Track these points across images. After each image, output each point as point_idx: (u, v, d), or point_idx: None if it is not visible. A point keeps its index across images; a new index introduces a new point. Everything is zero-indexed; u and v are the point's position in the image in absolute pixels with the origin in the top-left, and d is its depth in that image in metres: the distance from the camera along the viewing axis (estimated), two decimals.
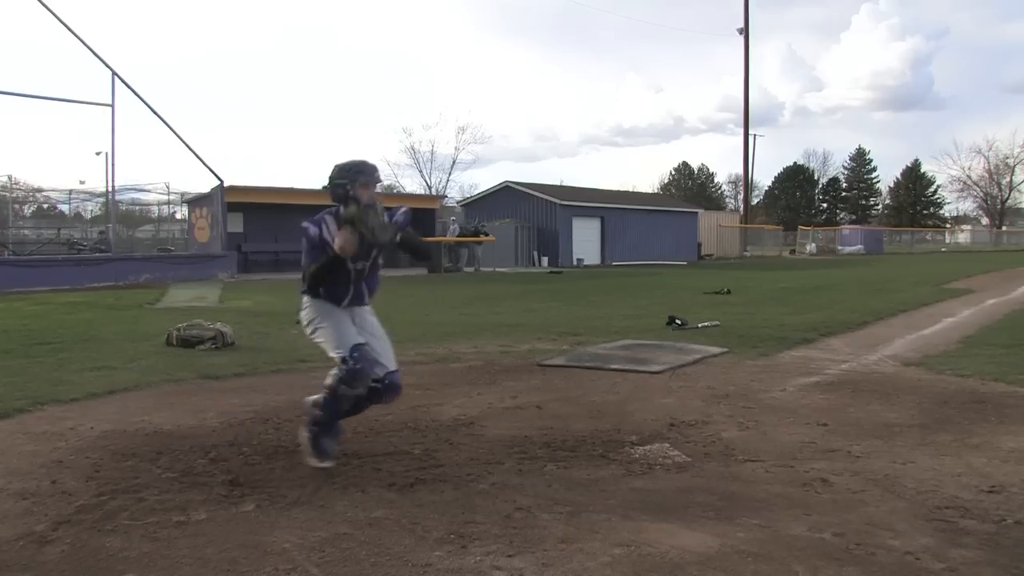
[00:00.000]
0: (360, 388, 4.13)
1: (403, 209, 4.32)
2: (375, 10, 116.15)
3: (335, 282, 4.16)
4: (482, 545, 3.12)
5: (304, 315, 4.26)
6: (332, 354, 4.14)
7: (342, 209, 4.09)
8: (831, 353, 8.22)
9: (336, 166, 4.20)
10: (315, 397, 4.30)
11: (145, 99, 21.28)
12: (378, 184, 4.24)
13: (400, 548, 3.10)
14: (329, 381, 4.14)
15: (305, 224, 4.13)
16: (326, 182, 4.22)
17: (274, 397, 6.01)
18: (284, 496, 3.73)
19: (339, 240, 4.00)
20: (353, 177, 4.11)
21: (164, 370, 7.23)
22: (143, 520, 3.42)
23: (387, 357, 4.27)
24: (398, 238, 4.16)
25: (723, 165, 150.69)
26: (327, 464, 4.16)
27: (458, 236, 29.17)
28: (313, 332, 4.23)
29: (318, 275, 4.10)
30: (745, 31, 48.94)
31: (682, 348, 8.38)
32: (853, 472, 4.08)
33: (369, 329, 4.29)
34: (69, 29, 20.09)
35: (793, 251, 51.98)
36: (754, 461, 4.29)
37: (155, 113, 21.39)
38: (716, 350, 8.26)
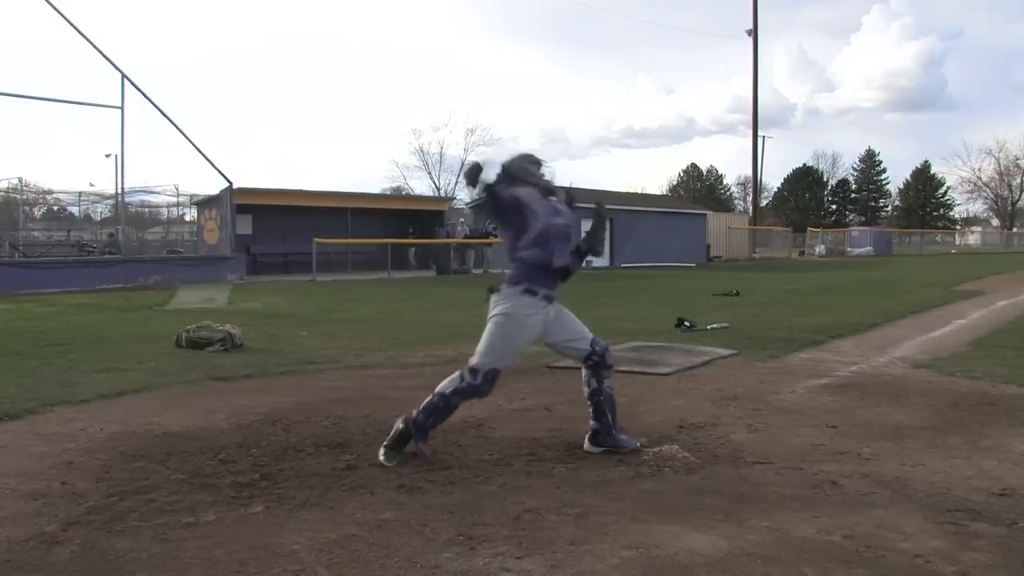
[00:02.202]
0: (471, 400, 4.29)
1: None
2: (385, 12, 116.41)
3: (544, 243, 4.18)
4: (491, 547, 3.12)
5: (503, 303, 4.23)
6: (478, 355, 4.20)
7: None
8: (840, 355, 8.19)
9: (518, 156, 4.33)
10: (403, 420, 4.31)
11: (154, 101, 21.40)
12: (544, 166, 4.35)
13: (409, 550, 3.10)
14: (445, 388, 4.21)
15: (503, 195, 4.13)
16: (503, 171, 4.25)
17: (283, 399, 6.02)
18: (293, 497, 3.73)
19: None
20: (527, 159, 4.29)
21: (173, 372, 7.25)
22: (152, 521, 3.43)
23: (582, 332, 4.41)
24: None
25: (732, 167, 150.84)
26: (393, 464, 4.16)
27: (467, 237, 29.20)
28: (493, 320, 4.23)
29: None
30: (754, 32, 48.86)
31: (691, 350, 8.36)
32: (863, 474, 4.06)
33: (557, 319, 4.35)
34: (79, 31, 20.22)
35: (802, 253, 51.83)
36: (763, 463, 4.27)
37: (164, 115, 21.50)
38: (725, 352, 8.24)
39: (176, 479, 4.04)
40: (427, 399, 4.30)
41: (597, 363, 4.43)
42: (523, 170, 4.27)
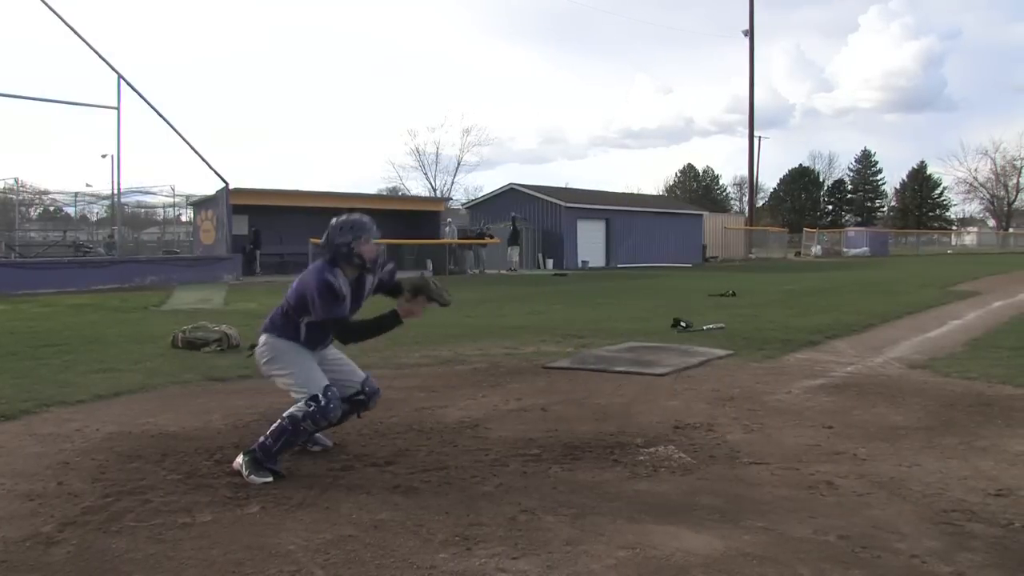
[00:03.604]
0: (323, 425, 4.17)
1: (390, 267, 4.46)
2: (381, 12, 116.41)
3: (320, 331, 4.22)
4: (487, 547, 3.12)
5: (263, 351, 4.26)
6: (296, 392, 4.13)
7: (339, 269, 4.17)
8: (836, 355, 8.20)
9: (334, 224, 4.21)
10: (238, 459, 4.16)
11: (151, 102, 21.37)
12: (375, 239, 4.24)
13: (405, 550, 3.10)
14: (293, 412, 4.07)
15: (327, 279, 4.11)
16: (323, 239, 4.22)
17: (279, 399, 5.97)
18: (289, 498, 3.73)
19: (412, 308, 4.21)
20: (356, 235, 4.14)
21: (169, 372, 7.25)
22: (149, 521, 3.42)
23: (354, 371, 4.47)
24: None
25: (729, 167, 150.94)
26: (270, 479, 3.98)
27: (460, 238, 29.24)
28: (275, 371, 4.23)
29: (366, 335, 4.29)
30: (750, 33, 48.93)
31: (687, 350, 8.36)
32: (859, 475, 4.06)
33: (333, 360, 4.42)
34: (75, 32, 20.18)
35: (798, 253, 51.88)
36: (759, 463, 4.28)
37: (161, 116, 21.47)
38: (721, 352, 8.25)
39: (172, 479, 4.03)
40: (276, 424, 4.12)
41: (360, 401, 4.42)
42: (348, 252, 4.16)
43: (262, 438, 4.10)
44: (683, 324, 10.39)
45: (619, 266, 34.32)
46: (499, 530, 3.30)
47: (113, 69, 20.94)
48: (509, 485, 3.93)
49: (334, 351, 4.47)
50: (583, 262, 33.89)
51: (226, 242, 23.65)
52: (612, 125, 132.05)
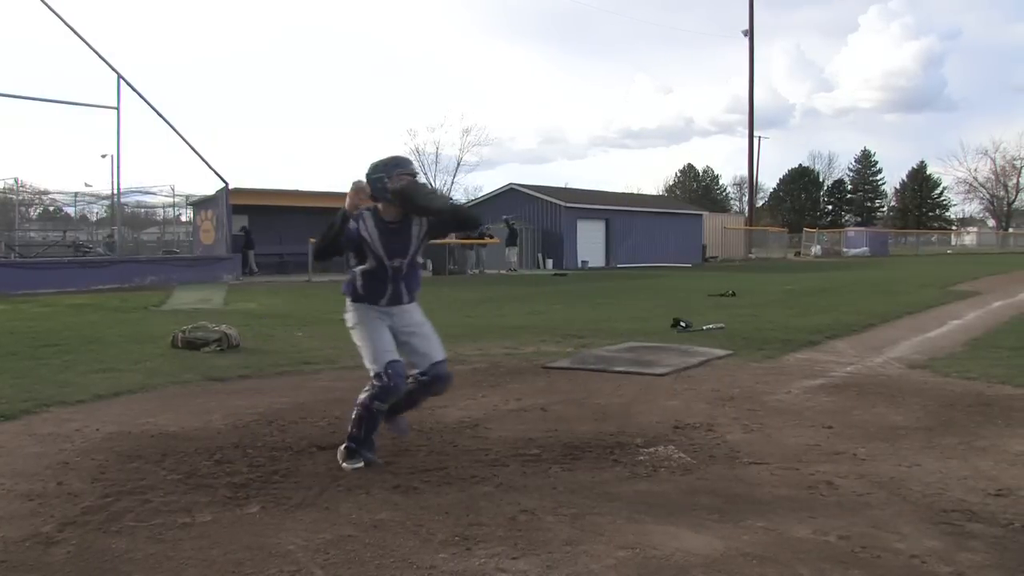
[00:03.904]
0: (391, 402, 4.21)
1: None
2: (380, 12, 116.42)
3: (373, 279, 4.20)
4: (487, 547, 3.12)
5: (347, 317, 4.32)
6: (368, 366, 4.19)
7: (379, 206, 4.19)
8: (836, 355, 8.20)
9: (372, 163, 4.24)
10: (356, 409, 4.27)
11: (150, 102, 21.37)
12: (415, 175, 4.26)
13: (405, 550, 3.10)
14: (363, 398, 4.18)
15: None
16: (363, 179, 4.23)
17: (279, 399, 6.02)
18: (289, 498, 3.73)
19: (353, 199, 4.12)
20: (390, 170, 4.17)
21: (169, 372, 7.25)
22: (148, 522, 3.42)
23: (433, 349, 4.32)
24: (446, 214, 4.27)
25: (729, 167, 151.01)
26: (360, 464, 4.19)
27: (461, 238, 29.21)
28: (355, 337, 4.29)
29: (321, 243, 4.22)
30: (750, 33, 48.96)
31: (687, 350, 8.36)
32: (859, 475, 4.06)
33: (410, 327, 4.31)
34: (75, 32, 20.18)
35: (798, 253, 51.91)
36: (759, 463, 4.28)
37: (160, 116, 21.47)
38: (721, 352, 8.25)
39: (172, 479, 4.03)
40: (353, 413, 4.23)
41: (427, 383, 4.34)
42: (381, 188, 4.15)
43: (349, 428, 4.23)
44: (683, 324, 10.39)
45: (619, 266, 34.33)
46: (499, 530, 3.30)
47: (113, 69, 20.95)
48: (509, 485, 3.92)
49: (417, 323, 4.36)
50: (583, 262, 33.90)
51: (226, 242, 23.65)
52: (612, 125, 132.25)
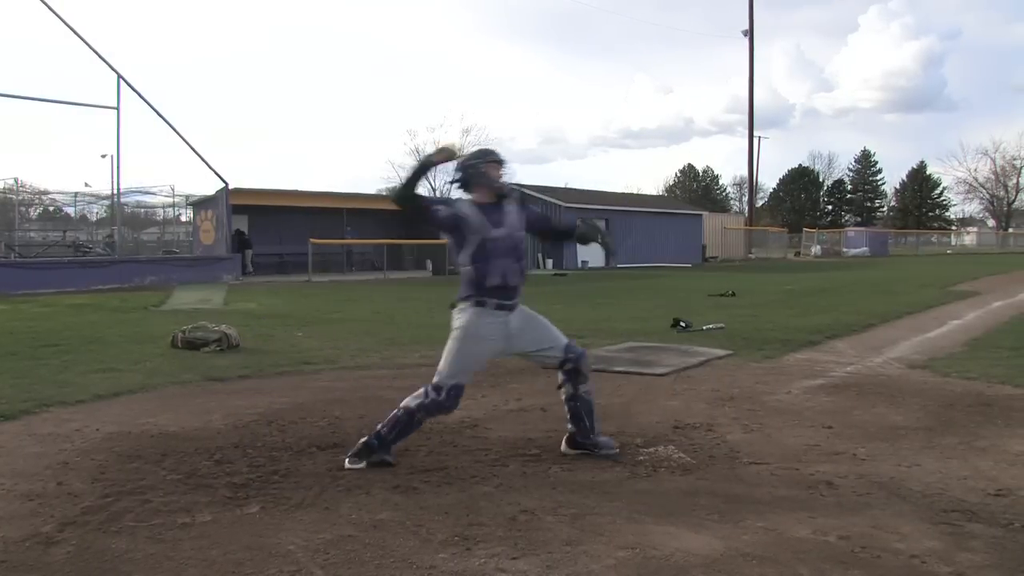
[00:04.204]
0: (437, 416, 4.27)
1: (534, 208, 4.45)
2: (380, 12, 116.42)
3: (483, 259, 4.14)
4: (487, 547, 3.12)
5: (457, 315, 4.26)
6: (439, 371, 4.18)
7: (461, 196, 4.29)
8: (836, 355, 8.20)
9: (464, 155, 4.29)
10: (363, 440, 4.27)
11: (150, 102, 21.38)
12: (503, 163, 4.32)
13: (405, 550, 3.10)
14: (411, 404, 4.17)
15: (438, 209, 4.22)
16: (456, 173, 4.27)
17: (279, 399, 6.01)
18: (289, 498, 3.73)
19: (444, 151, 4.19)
20: (485, 158, 4.26)
21: (169, 372, 7.25)
22: (148, 522, 3.42)
23: (556, 337, 4.35)
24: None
25: (728, 167, 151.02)
26: (361, 465, 4.16)
27: None
28: (452, 336, 4.24)
29: (407, 185, 4.20)
30: (750, 33, 48.95)
31: (687, 350, 8.36)
32: (858, 475, 4.06)
33: (532, 328, 4.32)
34: (75, 32, 20.19)
35: (798, 253, 51.90)
36: (759, 463, 4.28)
37: (160, 116, 21.49)
38: (721, 352, 8.25)
39: (172, 480, 4.03)
40: (392, 413, 4.24)
41: (572, 370, 4.37)
42: (476, 173, 4.23)
43: (379, 426, 4.21)
44: (683, 324, 10.39)
45: (619, 266, 34.32)
46: (499, 530, 3.30)
47: (113, 69, 20.96)
48: (509, 485, 3.93)
49: (537, 317, 4.40)
50: (583, 262, 33.89)
51: (226, 242, 23.66)
52: (612, 125, 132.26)
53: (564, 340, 4.38)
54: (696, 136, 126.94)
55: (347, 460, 4.20)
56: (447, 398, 4.13)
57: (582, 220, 4.57)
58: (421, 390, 4.19)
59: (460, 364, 4.18)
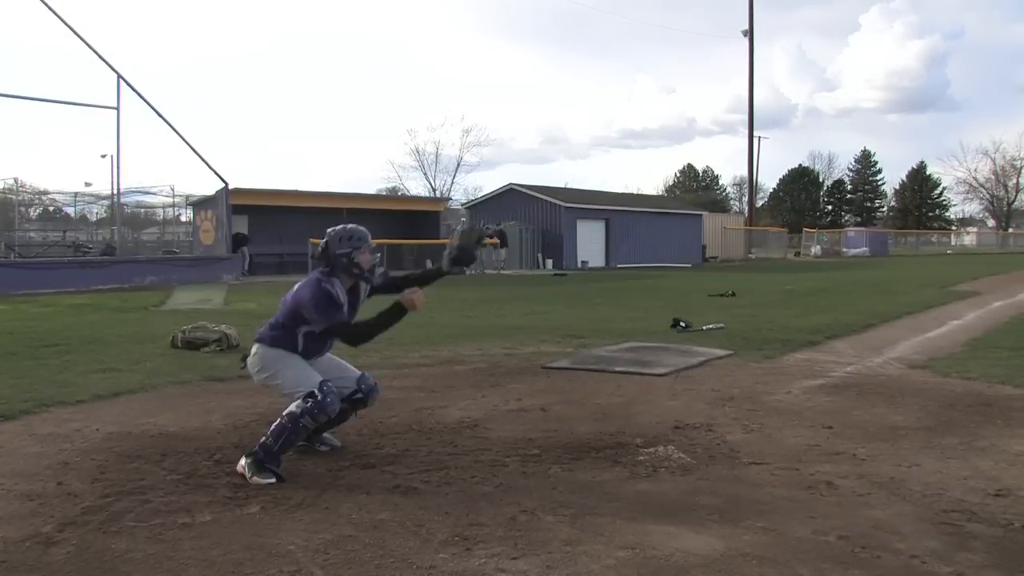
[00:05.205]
0: (320, 422, 4.18)
1: (381, 270, 4.44)
2: (379, 12, 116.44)
3: (321, 338, 4.24)
4: (486, 547, 3.12)
5: (254, 361, 4.25)
6: (295, 392, 4.12)
7: (335, 279, 4.24)
8: (836, 356, 8.20)
9: (332, 235, 4.25)
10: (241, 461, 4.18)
11: (150, 102, 21.39)
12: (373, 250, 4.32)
13: (404, 550, 3.10)
14: (293, 410, 4.07)
15: (326, 288, 4.17)
16: (320, 251, 4.25)
17: (278, 399, 5.97)
18: (289, 498, 3.73)
19: (412, 298, 4.19)
20: (356, 245, 4.22)
21: (169, 372, 7.25)
22: (148, 522, 3.43)
23: (347, 369, 4.48)
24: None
25: (729, 167, 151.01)
26: (272, 480, 3.97)
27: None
28: (268, 376, 4.22)
29: (373, 333, 4.24)
30: (750, 33, 48.95)
31: (687, 351, 8.36)
32: (858, 475, 4.06)
33: (323, 360, 4.39)
34: (75, 32, 20.19)
35: (798, 253, 51.90)
36: (759, 464, 4.28)
37: (160, 116, 21.50)
38: (721, 352, 8.25)
39: (172, 480, 4.03)
40: (276, 423, 4.12)
41: (359, 400, 4.44)
42: (348, 263, 4.22)
43: (263, 438, 4.10)
44: (683, 324, 10.39)
45: (619, 266, 34.33)
46: (499, 530, 3.30)
47: (113, 69, 20.98)
48: (509, 485, 3.93)
49: (328, 355, 4.48)
50: (583, 262, 33.90)
51: (226, 242, 23.66)
52: (613, 125, 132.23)
53: (356, 373, 4.52)
54: (698, 136, 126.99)
55: (255, 477, 3.98)
56: (324, 394, 4.06)
57: (458, 231, 4.55)
58: (299, 399, 4.08)
59: (297, 371, 4.17)
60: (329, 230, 4.28)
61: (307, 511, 3.57)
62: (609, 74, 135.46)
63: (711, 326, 10.47)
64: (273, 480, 3.97)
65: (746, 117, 51.41)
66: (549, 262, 33.35)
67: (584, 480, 4.02)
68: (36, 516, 3.51)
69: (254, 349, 4.29)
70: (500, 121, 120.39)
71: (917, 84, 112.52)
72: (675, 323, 10.52)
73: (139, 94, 21.25)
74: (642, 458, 4.39)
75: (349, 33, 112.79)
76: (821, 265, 36.32)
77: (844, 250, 52.63)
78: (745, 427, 5.12)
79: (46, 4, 19.56)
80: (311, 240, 24.74)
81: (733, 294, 16.30)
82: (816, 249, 52.26)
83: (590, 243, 35.18)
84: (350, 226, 4.29)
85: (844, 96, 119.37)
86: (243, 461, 4.09)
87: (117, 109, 21.08)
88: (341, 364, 4.52)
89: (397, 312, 4.19)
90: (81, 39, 20.33)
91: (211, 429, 5.10)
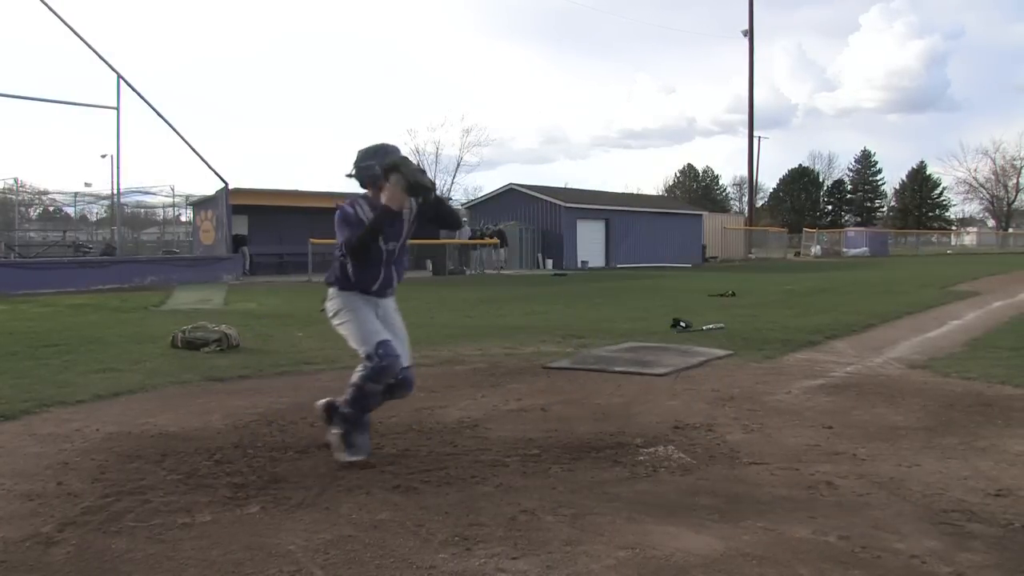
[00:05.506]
0: (385, 383, 4.21)
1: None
2: (379, 12, 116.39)
3: (367, 264, 4.22)
4: (487, 547, 3.12)
5: (330, 305, 4.33)
6: (357, 348, 4.21)
7: (364, 200, 4.25)
8: (836, 356, 8.20)
9: (360, 151, 4.29)
10: (323, 401, 4.43)
11: (150, 102, 21.40)
12: None
13: (405, 550, 3.10)
14: (355, 379, 4.21)
15: (341, 205, 4.22)
16: (351, 169, 4.28)
17: (278, 399, 6.01)
18: (289, 498, 3.73)
19: (386, 193, 4.10)
20: (380, 157, 4.22)
21: (169, 372, 7.24)
22: (148, 522, 3.42)
23: (404, 354, 4.37)
24: (432, 194, 4.23)
25: (729, 167, 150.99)
26: (360, 457, 4.21)
27: (475, 238, 29.46)
28: (339, 324, 4.30)
29: (365, 238, 4.11)
30: (750, 33, 48.95)
31: (687, 351, 8.36)
32: (858, 475, 4.06)
33: (391, 325, 4.36)
34: (75, 32, 20.19)
35: (798, 253, 51.91)
36: (759, 464, 4.28)
37: (160, 116, 21.49)
38: (721, 352, 8.25)
39: (172, 480, 4.03)
40: (344, 395, 4.29)
41: (394, 385, 4.35)
42: (373, 175, 4.21)
43: (343, 408, 4.25)
44: (683, 324, 10.39)
45: (619, 266, 34.33)
46: (499, 530, 3.30)
47: (113, 69, 20.97)
48: (509, 485, 3.92)
49: (398, 324, 4.44)
50: (583, 262, 33.90)
51: (226, 242, 23.66)
52: (613, 125, 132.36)
53: (408, 362, 4.44)
54: (698, 136, 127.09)
55: (344, 455, 4.22)
56: (381, 357, 4.11)
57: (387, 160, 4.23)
58: (359, 366, 4.21)
59: (364, 329, 4.20)
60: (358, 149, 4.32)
61: (307, 511, 3.56)
62: (609, 74, 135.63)
63: (711, 326, 10.47)
64: (362, 458, 4.18)
65: (746, 117, 51.46)
66: (549, 262, 33.35)
67: (584, 480, 4.02)
68: (36, 516, 3.51)
69: (328, 293, 4.35)
70: (500, 121, 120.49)
71: (917, 84, 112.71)
72: (675, 323, 10.52)
73: (139, 94, 21.27)
74: (642, 458, 4.39)
75: (349, 33, 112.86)
76: (821, 265, 36.32)
77: (844, 250, 52.65)
78: (745, 427, 5.12)
79: (46, 4, 19.56)
80: (311, 240, 24.80)
81: (733, 294, 16.30)
82: (816, 249, 52.28)
83: (590, 243, 35.19)
84: (379, 142, 4.33)
85: (844, 96, 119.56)
86: (334, 437, 4.27)
87: (117, 109, 21.07)
88: (402, 347, 4.42)
89: (379, 215, 4.14)
90: (81, 39, 20.34)
91: (211, 429, 5.10)
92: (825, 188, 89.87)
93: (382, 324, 4.30)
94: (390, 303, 4.44)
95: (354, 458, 4.21)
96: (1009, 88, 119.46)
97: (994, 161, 78.69)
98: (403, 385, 4.37)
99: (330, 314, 4.35)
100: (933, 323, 11.22)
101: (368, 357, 4.15)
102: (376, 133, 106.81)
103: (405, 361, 4.35)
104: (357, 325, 4.23)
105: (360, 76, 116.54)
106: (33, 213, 37.63)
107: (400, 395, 4.44)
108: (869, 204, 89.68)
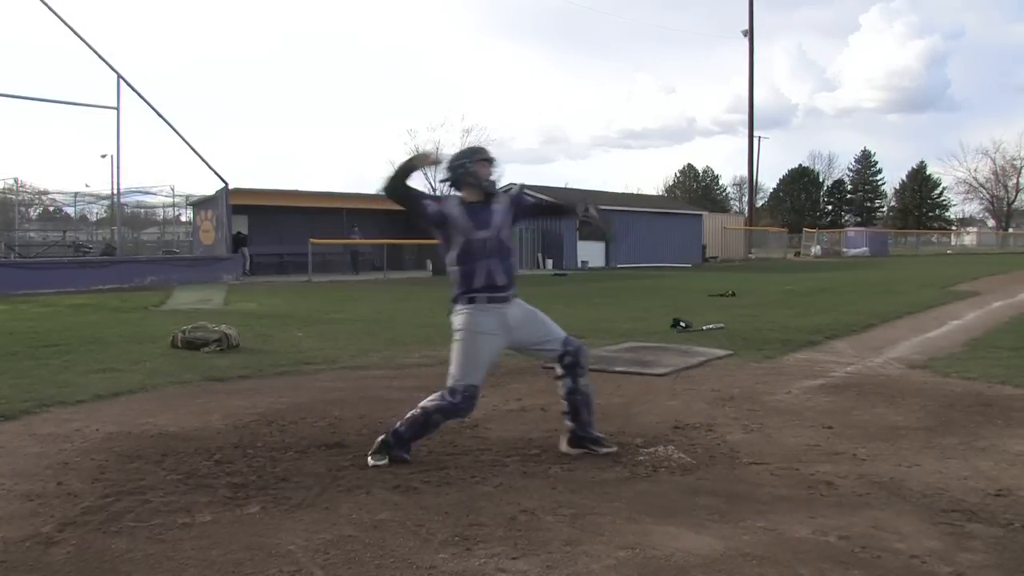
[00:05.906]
0: (452, 421, 4.29)
1: (516, 187, 4.48)
2: (380, 12, 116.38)
3: (466, 260, 4.20)
4: (487, 547, 3.12)
5: (455, 320, 4.28)
6: (450, 373, 4.20)
7: (455, 197, 4.33)
8: (836, 356, 8.20)
9: (453, 154, 4.37)
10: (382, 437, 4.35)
11: (150, 102, 21.41)
12: (492, 161, 4.36)
13: (405, 550, 3.10)
14: (427, 404, 4.20)
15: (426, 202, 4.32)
16: (446, 172, 4.33)
17: (278, 399, 6.01)
18: (289, 498, 3.73)
19: (427, 153, 4.40)
20: (472, 156, 4.29)
21: (169, 372, 7.24)
22: (148, 522, 3.42)
23: (553, 331, 4.37)
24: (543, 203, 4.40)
25: (729, 167, 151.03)
26: (383, 463, 4.20)
27: None
28: (454, 340, 4.25)
29: (395, 178, 4.19)
30: (750, 33, 48.95)
31: (687, 351, 8.36)
32: (858, 475, 4.06)
33: (522, 324, 4.31)
34: (75, 32, 20.20)
35: (798, 253, 51.90)
36: (759, 464, 4.28)
37: (160, 116, 21.51)
38: (721, 352, 8.25)
39: (172, 480, 4.03)
40: (411, 412, 4.28)
41: (572, 363, 4.38)
42: (464, 172, 4.28)
43: (397, 424, 4.26)
44: (683, 324, 10.39)
45: (619, 266, 34.33)
46: (499, 530, 3.30)
47: (113, 69, 20.99)
48: (509, 485, 3.92)
49: (535, 311, 4.42)
50: (583, 262, 33.89)
51: (226, 242, 23.66)
52: (613, 125, 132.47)
53: (562, 334, 4.41)
54: (699, 136, 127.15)
55: (369, 458, 4.24)
56: (462, 400, 4.15)
57: (586, 208, 4.57)
58: (438, 393, 4.22)
59: (468, 363, 4.19)
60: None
61: (307, 511, 3.56)
62: (609, 74, 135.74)
63: (711, 326, 10.47)
64: (385, 462, 4.18)
65: (746, 117, 51.45)
66: (549, 262, 33.35)
67: (584, 480, 4.02)
68: (36, 516, 3.51)
69: (456, 306, 4.31)
70: (500, 121, 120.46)
71: (917, 84, 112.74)
72: (675, 323, 10.52)
73: (139, 94, 21.28)
74: (642, 458, 4.39)
75: (349, 33, 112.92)
76: (821, 265, 36.32)
77: (844, 250, 52.63)
78: (745, 427, 5.12)
79: (46, 4, 19.57)
80: (311, 240, 24.82)
81: (733, 294, 16.30)
82: (816, 249, 52.27)
83: (590, 243, 35.16)
84: (471, 145, 4.45)
85: (844, 96, 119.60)
86: (378, 440, 4.29)
87: (117, 109, 21.09)
88: (546, 324, 4.41)
89: (405, 163, 4.27)
90: (81, 39, 20.36)
91: (211, 429, 5.10)
92: (825, 188, 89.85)
93: (517, 333, 4.27)
94: (516, 310, 4.32)
95: (379, 462, 4.21)
96: (1009, 88, 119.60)
97: (994, 161, 78.69)
98: (580, 353, 4.37)
99: (455, 327, 4.27)
100: (933, 323, 11.22)
101: (451, 392, 4.15)
102: (376, 133, 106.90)
103: (561, 334, 4.36)
104: (466, 354, 4.18)
105: (360, 76, 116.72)
106: (33, 213, 37.64)
107: (584, 362, 4.41)
108: (869, 204, 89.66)
